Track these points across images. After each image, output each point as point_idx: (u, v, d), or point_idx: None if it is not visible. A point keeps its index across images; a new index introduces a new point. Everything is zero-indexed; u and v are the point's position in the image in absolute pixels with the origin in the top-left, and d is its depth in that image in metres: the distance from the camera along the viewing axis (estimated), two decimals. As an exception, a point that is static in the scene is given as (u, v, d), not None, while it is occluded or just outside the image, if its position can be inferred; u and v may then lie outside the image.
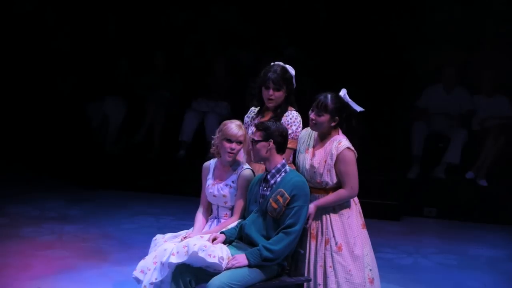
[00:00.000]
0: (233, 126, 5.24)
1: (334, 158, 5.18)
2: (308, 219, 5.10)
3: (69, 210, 9.04)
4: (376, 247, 7.76)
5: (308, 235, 5.21)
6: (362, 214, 5.40)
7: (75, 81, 11.18)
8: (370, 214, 8.72)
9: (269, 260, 4.88)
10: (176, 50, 11.11)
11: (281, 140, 5.06)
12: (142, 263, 5.06)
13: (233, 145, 5.22)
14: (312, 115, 5.22)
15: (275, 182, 5.03)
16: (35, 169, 10.74)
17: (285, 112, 5.47)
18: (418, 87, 9.98)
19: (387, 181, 9.44)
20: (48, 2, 11.48)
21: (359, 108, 5.28)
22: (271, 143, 5.03)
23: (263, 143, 5.03)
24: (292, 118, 5.46)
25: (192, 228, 5.41)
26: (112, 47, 11.22)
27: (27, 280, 6.48)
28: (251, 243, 4.99)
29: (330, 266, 5.19)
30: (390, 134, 9.85)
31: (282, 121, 5.42)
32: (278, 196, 4.95)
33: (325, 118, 5.20)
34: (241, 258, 4.88)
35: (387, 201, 9.22)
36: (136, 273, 5.05)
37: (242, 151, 5.36)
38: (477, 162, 9.37)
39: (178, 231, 5.40)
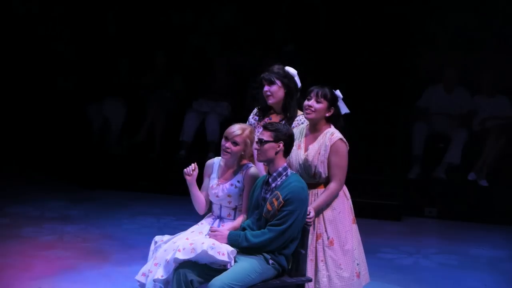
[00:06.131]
0: (234, 125, 5.28)
1: (328, 150, 5.24)
2: (309, 220, 5.10)
3: (70, 210, 9.05)
4: (377, 247, 7.83)
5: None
6: (353, 209, 5.44)
7: (75, 81, 11.18)
8: (370, 214, 8.85)
9: (244, 248, 4.93)
10: (176, 50, 11.11)
11: (289, 142, 5.06)
12: (143, 268, 5.09)
13: (228, 144, 5.23)
14: (310, 103, 5.27)
15: (275, 186, 5.03)
16: (36, 170, 10.74)
17: (296, 117, 5.51)
18: (419, 87, 9.98)
19: (387, 181, 9.45)
20: (48, 2, 11.48)
21: (345, 110, 5.34)
22: (281, 145, 5.02)
23: (272, 144, 5.01)
24: (304, 124, 5.48)
25: (199, 223, 5.41)
26: (112, 47, 11.22)
27: (28, 280, 6.48)
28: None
29: (322, 260, 5.24)
30: (391, 134, 9.85)
31: (293, 125, 5.45)
32: (274, 199, 4.95)
33: (323, 105, 5.26)
34: (222, 237, 4.94)
35: (388, 201, 9.23)
36: (138, 277, 5.06)
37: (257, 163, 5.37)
38: (478, 162, 9.36)
39: (179, 232, 5.39)
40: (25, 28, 11.45)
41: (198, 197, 5.38)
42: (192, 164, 5.28)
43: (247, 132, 5.27)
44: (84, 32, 11.40)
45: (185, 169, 5.27)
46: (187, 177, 5.27)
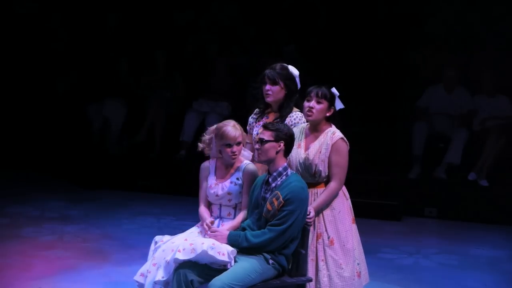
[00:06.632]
0: (230, 129, 5.23)
1: (329, 148, 5.24)
2: (309, 220, 5.10)
3: (69, 210, 9.05)
4: (377, 247, 7.83)
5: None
6: (352, 209, 5.45)
7: (75, 81, 11.18)
8: (371, 214, 8.85)
9: (244, 248, 4.94)
10: (176, 49, 11.11)
11: (290, 142, 5.06)
12: (142, 268, 5.08)
13: (234, 148, 5.23)
14: (311, 104, 5.26)
15: (275, 185, 5.02)
16: (36, 170, 10.74)
17: (290, 113, 5.50)
18: (419, 87, 9.98)
19: (388, 181, 9.44)
20: (48, 2, 11.48)
21: (340, 106, 5.34)
22: (282, 145, 5.02)
23: (273, 144, 5.01)
24: (296, 118, 5.49)
25: (197, 225, 5.40)
26: (112, 47, 11.22)
27: (28, 280, 6.48)
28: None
29: (322, 260, 5.25)
30: (391, 134, 9.85)
31: (286, 121, 5.44)
32: (274, 199, 4.95)
33: (324, 105, 5.26)
34: (222, 237, 4.95)
35: (388, 201, 9.23)
36: (137, 277, 5.06)
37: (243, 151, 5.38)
38: (478, 162, 9.36)
39: (179, 232, 5.39)
40: (25, 28, 11.45)
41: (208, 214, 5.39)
42: (209, 220, 5.21)
43: (238, 126, 5.27)
44: (84, 32, 11.40)
45: (205, 226, 5.18)
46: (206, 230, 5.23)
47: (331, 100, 5.29)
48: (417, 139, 9.71)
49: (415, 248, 7.99)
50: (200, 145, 5.44)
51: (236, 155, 5.25)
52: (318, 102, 5.26)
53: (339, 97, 5.33)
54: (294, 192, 4.93)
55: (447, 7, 10.40)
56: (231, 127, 5.24)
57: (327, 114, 5.30)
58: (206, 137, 5.39)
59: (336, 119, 5.36)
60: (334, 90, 5.33)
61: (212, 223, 5.19)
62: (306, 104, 5.30)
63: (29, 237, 7.84)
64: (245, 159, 5.38)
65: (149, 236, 5.55)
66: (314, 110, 5.26)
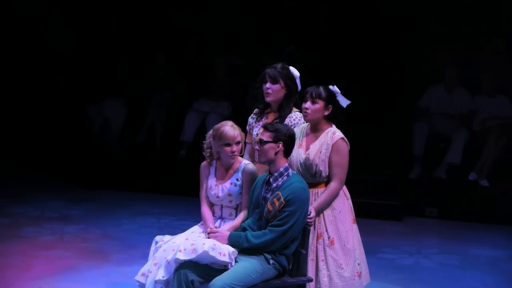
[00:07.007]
0: (228, 129, 5.23)
1: (330, 148, 5.25)
2: (310, 220, 5.10)
3: (70, 210, 9.05)
4: (378, 247, 7.83)
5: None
6: (353, 209, 5.45)
7: (75, 81, 11.18)
8: (371, 214, 8.85)
9: (245, 249, 4.94)
10: (177, 50, 11.11)
11: (290, 143, 5.06)
12: (143, 268, 5.10)
13: (234, 148, 5.23)
14: (306, 105, 5.28)
15: (276, 186, 5.02)
16: (36, 170, 10.73)
17: (290, 113, 5.50)
18: (420, 87, 9.98)
19: (388, 181, 9.44)
20: (48, 2, 11.48)
21: (346, 102, 5.33)
22: (280, 145, 5.02)
23: (272, 145, 5.01)
24: (295, 119, 5.49)
25: (199, 224, 5.39)
26: (113, 47, 11.22)
27: (28, 280, 6.48)
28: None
29: (323, 260, 5.26)
30: (391, 134, 9.84)
31: (285, 121, 5.44)
32: (275, 199, 4.95)
33: (319, 105, 5.27)
34: (223, 238, 4.96)
35: (388, 201, 9.23)
36: (138, 277, 5.07)
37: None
38: (478, 162, 9.36)
39: (179, 232, 5.39)
40: (26, 28, 11.45)
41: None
42: (210, 228, 5.16)
43: (236, 126, 5.28)
44: (85, 32, 11.40)
45: (208, 233, 5.18)
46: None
47: (328, 99, 5.28)
48: (417, 139, 9.71)
49: (415, 248, 7.99)
50: (206, 154, 5.41)
51: (235, 154, 5.25)
52: (313, 103, 5.26)
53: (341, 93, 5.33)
54: (295, 193, 4.93)
55: (447, 7, 10.39)
56: (229, 127, 5.24)
57: (325, 113, 5.30)
58: (206, 142, 5.38)
59: (339, 117, 5.36)
60: (334, 88, 5.32)
61: (216, 227, 5.19)
62: (303, 105, 5.31)
63: (29, 237, 7.84)
64: (244, 159, 5.38)
65: (149, 236, 5.56)
66: (309, 111, 5.26)
